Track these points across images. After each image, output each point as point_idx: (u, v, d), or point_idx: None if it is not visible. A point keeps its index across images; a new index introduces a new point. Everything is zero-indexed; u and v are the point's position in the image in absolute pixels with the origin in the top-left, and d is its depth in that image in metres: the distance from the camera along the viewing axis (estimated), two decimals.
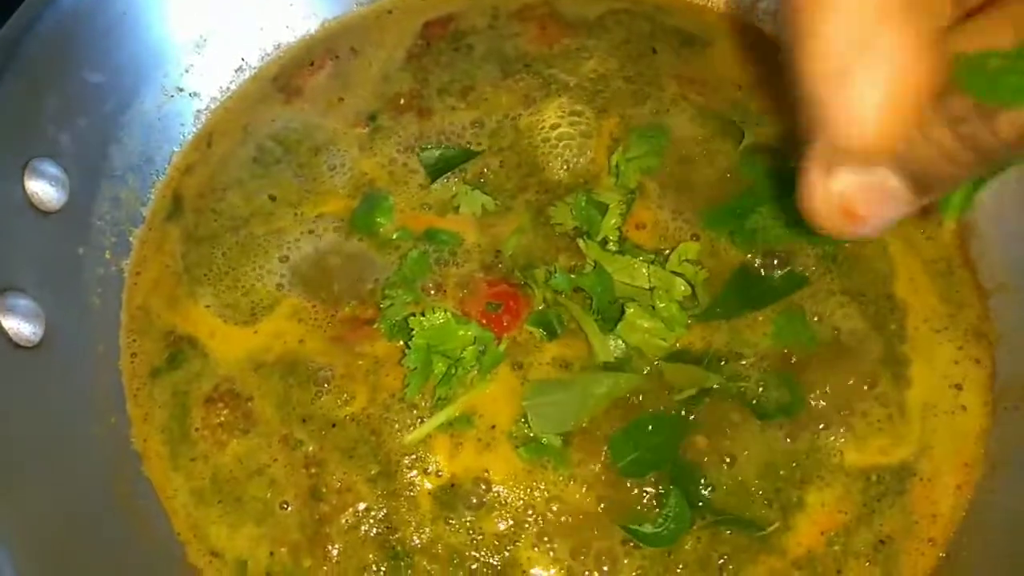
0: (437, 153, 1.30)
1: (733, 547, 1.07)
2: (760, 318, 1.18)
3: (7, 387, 1.02)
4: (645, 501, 1.08)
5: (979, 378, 1.18)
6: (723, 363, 1.15)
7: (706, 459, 1.10)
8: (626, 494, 1.08)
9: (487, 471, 1.10)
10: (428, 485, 1.10)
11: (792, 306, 1.19)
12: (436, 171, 1.29)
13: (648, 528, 1.06)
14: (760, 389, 1.13)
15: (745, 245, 1.22)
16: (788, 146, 1.30)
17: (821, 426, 1.12)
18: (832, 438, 1.12)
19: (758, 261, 1.21)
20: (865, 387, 1.14)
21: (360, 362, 1.16)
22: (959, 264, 1.25)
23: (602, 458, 1.09)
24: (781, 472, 1.10)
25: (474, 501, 1.09)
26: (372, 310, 1.18)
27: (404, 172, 1.30)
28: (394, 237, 1.24)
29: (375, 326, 1.17)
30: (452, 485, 1.10)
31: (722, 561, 1.06)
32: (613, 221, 1.19)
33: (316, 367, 1.16)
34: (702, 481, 1.09)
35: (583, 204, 1.21)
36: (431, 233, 1.24)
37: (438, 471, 1.10)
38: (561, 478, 1.09)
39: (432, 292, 1.19)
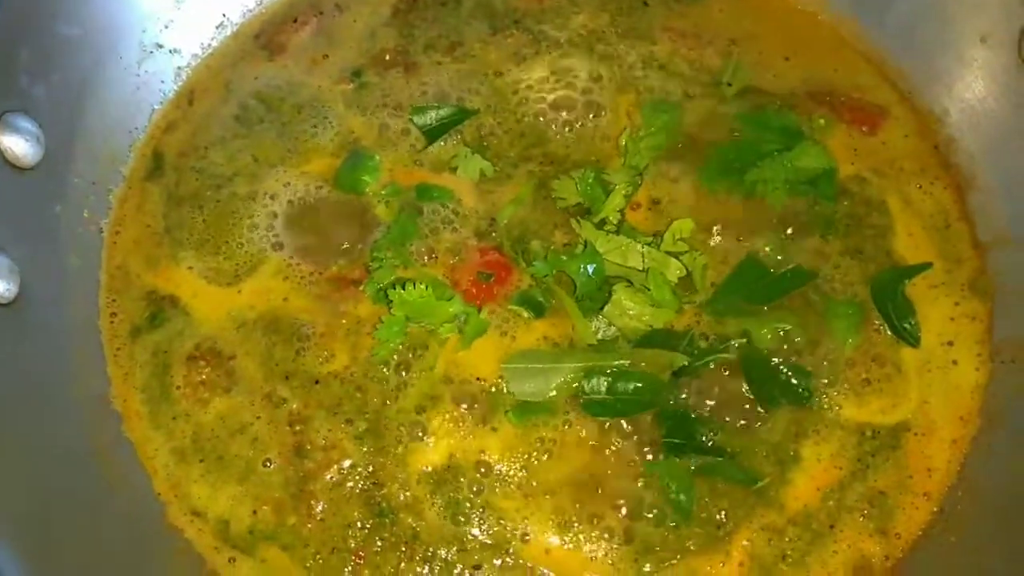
0: (432, 113, 1.27)
1: (731, 501, 1.06)
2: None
3: None
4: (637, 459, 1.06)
5: (974, 333, 1.16)
6: (708, 340, 1.12)
7: (702, 412, 1.09)
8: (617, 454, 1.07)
9: (477, 432, 1.09)
10: (416, 442, 1.08)
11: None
12: (432, 133, 1.26)
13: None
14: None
15: (745, 198, 1.19)
16: (787, 100, 1.27)
17: (824, 381, 1.11)
18: (832, 394, 1.11)
19: (765, 248, 1.17)
20: (863, 346, 1.13)
21: (343, 321, 1.14)
22: (956, 217, 1.24)
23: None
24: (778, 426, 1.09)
25: (464, 461, 1.07)
26: (359, 271, 1.16)
27: (393, 130, 1.27)
28: (383, 193, 1.21)
29: (361, 288, 1.14)
30: (442, 448, 1.08)
31: (721, 516, 1.05)
32: (616, 202, 1.16)
33: (298, 324, 1.14)
34: (700, 429, 1.08)
35: (590, 180, 1.17)
36: (423, 189, 1.21)
37: (426, 429, 1.09)
38: (551, 437, 1.08)
39: (425, 258, 1.16)
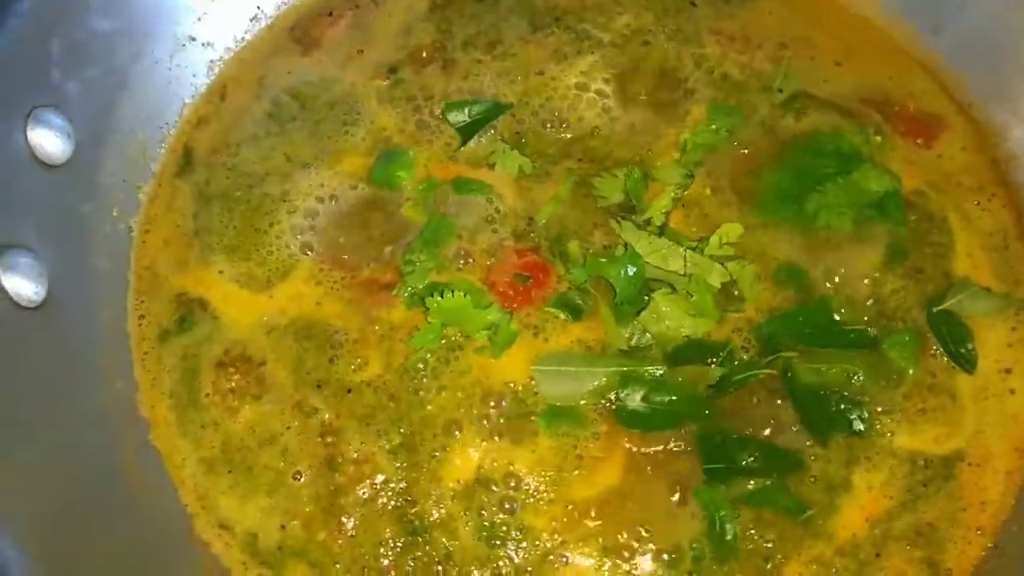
0: (465, 110, 1.23)
1: (778, 533, 1.02)
2: None
3: (7, 348, 0.97)
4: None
5: None
6: (749, 354, 1.08)
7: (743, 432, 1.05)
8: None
9: (507, 442, 1.06)
10: (448, 453, 1.05)
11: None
12: (467, 130, 1.22)
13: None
14: None
15: (802, 231, 1.14)
16: (847, 113, 1.22)
17: (879, 409, 1.06)
18: (886, 421, 1.07)
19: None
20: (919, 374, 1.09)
21: (376, 327, 1.11)
22: (1015, 237, 1.19)
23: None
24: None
25: (499, 477, 1.04)
26: (391, 274, 1.13)
27: (429, 128, 1.24)
28: (420, 188, 1.18)
29: (393, 292, 1.11)
30: (477, 462, 1.05)
31: (769, 547, 1.02)
32: (664, 203, 1.12)
33: (332, 330, 1.11)
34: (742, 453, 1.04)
35: (637, 177, 1.14)
36: (460, 182, 1.17)
37: (458, 439, 1.06)
38: (583, 452, 1.04)
39: (461, 262, 1.13)
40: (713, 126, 1.20)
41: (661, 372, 1.05)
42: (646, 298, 1.07)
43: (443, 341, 1.09)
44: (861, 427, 1.05)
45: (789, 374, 1.06)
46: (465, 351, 1.09)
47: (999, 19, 1.24)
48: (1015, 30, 1.23)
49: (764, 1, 1.35)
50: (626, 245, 1.09)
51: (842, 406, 1.06)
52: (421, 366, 1.08)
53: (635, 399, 1.04)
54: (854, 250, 1.14)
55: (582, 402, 1.06)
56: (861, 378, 1.07)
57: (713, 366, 1.05)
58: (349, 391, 1.08)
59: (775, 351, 1.07)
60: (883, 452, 1.06)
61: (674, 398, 1.04)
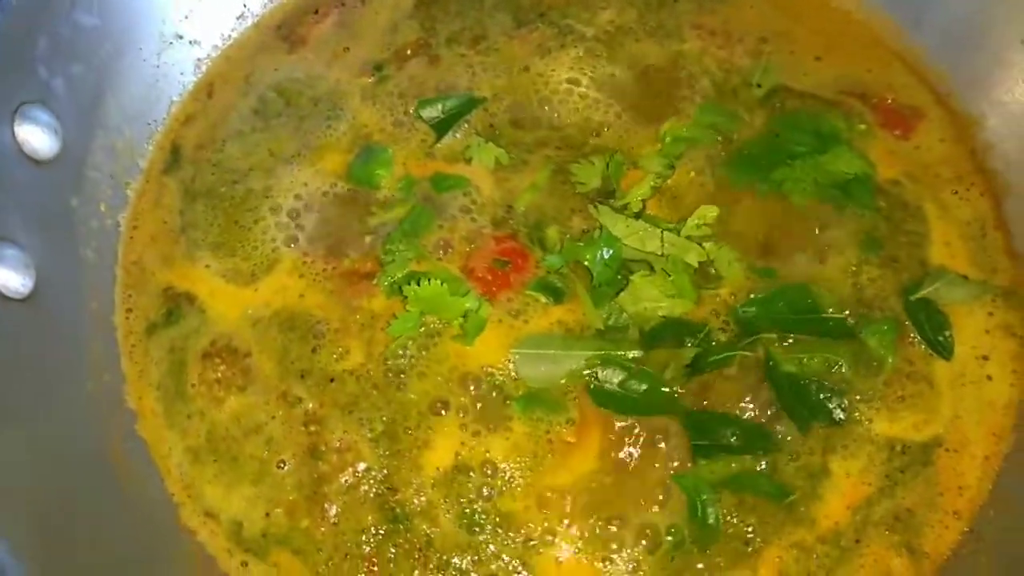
0: (439, 105, 1.24)
1: (759, 517, 1.03)
2: None
3: None
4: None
5: (1010, 348, 1.13)
6: (726, 334, 1.09)
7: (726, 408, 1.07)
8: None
9: (490, 432, 1.07)
10: (431, 444, 1.06)
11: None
12: (442, 126, 1.23)
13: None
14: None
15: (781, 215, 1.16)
16: (823, 99, 1.24)
17: (857, 397, 1.08)
18: (863, 409, 1.08)
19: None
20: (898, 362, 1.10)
21: (357, 316, 1.12)
22: (993, 226, 1.20)
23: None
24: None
25: (476, 464, 1.05)
26: (372, 263, 1.14)
27: (408, 125, 1.25)
28: (399, 187, 1.19)
29: (374, 282, 1.13)
30: (455, 449, 1.06)
31: (749, 531, 1.03)
32: (643, 190, 1.14)
33: (314, 320, 1.12)
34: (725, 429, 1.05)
35: (618, 161, 1.15)
36: (439, 179, 1.19)
37: (436, 426, 1.07)
38: (558, 438, 1.06)
39: (441, 252, 1.14)
40: (702, 123, 1.22)
41: (638, 355, 1.06)
42: (624, 279, 1.09)
43: (422, 329, 1.10)
44: (841, 416, 1.06)
45: (771, 363, 1.07)
46: (443, 338, 1.10)
47: (979, 9, 1.25)
48: (994, 19, 1.24)
49: None
50: (603, 228, 1.10)
51: (822, 395, 1.07)
52: (401, 353, 1.09)
53: (612, 382, 1.06)
54: (830, 237, 1.15)
55: (561, 381, 1.07)
56: (843, 368, 1.08)
57: (690, 347, 1.07)
58: (332, 380, 1.10)
59: (754, 334, 1.08)
60: (861, 439, 1.07)
61: (647, 385, 1.05)
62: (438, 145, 1.22)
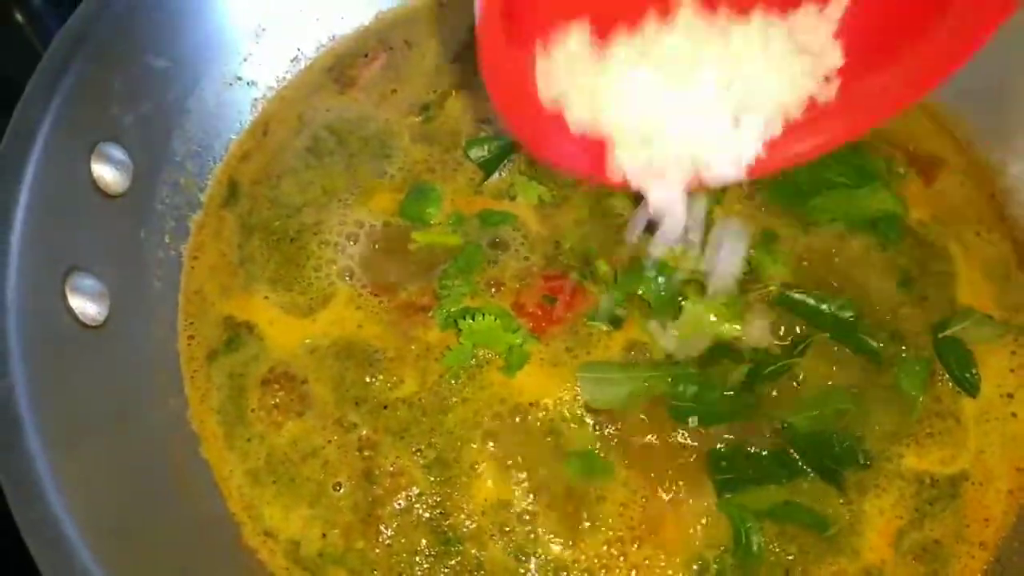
0: (485, 146, 1.31)
1: (800, 547, 1.08)
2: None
3: (74, 365, 1.03)
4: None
5: None
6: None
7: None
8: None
9: (534, 466, 1.11)
10: (480, 472, 1.11)
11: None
12: (488, 165, 1.30)
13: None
14: None
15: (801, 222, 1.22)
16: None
17: (892, 433, 1.13)
18: (894, 447, 1.13)
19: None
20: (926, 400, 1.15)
21: (412, 347, 1.17)
22: (1016, 267, 1.25)
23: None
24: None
25: (521, 495, 1.10)
26: (428, 297, 1.20)
27: (454, 163, 1.31)
28: (449, 223, 1.25)
29: (430, 314, 1.18)
30: (502, 478, 1.11)
31: (791, 559, 1.07)
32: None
33: (371, 350, 1.18)
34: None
35: None
36: (486, 215, 1.25)
37: (489, 459, 1.12)
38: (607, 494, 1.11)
39: (492, 290, 1.20)
40: None
41: (696, 373, 1.12)
42: (679, 304, 1.15)
43: (472, 360, 1.16)
44: (866, 460, 1.11)
45: (784, 426, 1.12)
46: (491, 369, 1.16)
47: (999, 61, 1.30)
48: (1014, 70, 1.29)
49: None
50: (651, 257, 1.17)
51: (845, 443, 1.11)
52: (453, 382, 1.15)
53: (686, 396, 1.11)
54: (873, 271, 1.21)
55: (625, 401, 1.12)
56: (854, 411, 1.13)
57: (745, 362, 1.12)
58: (385, 407, 1.15)
59: (799, 337, 1.14)
60: (891, 475, 1.11)
61: (719, 393, 1.11)
62: (486, 183, 1.29)
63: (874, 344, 1.15)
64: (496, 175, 1.29)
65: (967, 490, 1.12)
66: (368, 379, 1.16)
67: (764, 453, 1.10)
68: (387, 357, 1.17)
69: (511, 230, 1.25)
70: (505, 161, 1.30)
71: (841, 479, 1.09)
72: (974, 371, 1.16)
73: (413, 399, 1.15)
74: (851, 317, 1.15)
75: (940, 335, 1.18)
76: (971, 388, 1.15)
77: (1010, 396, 1.16)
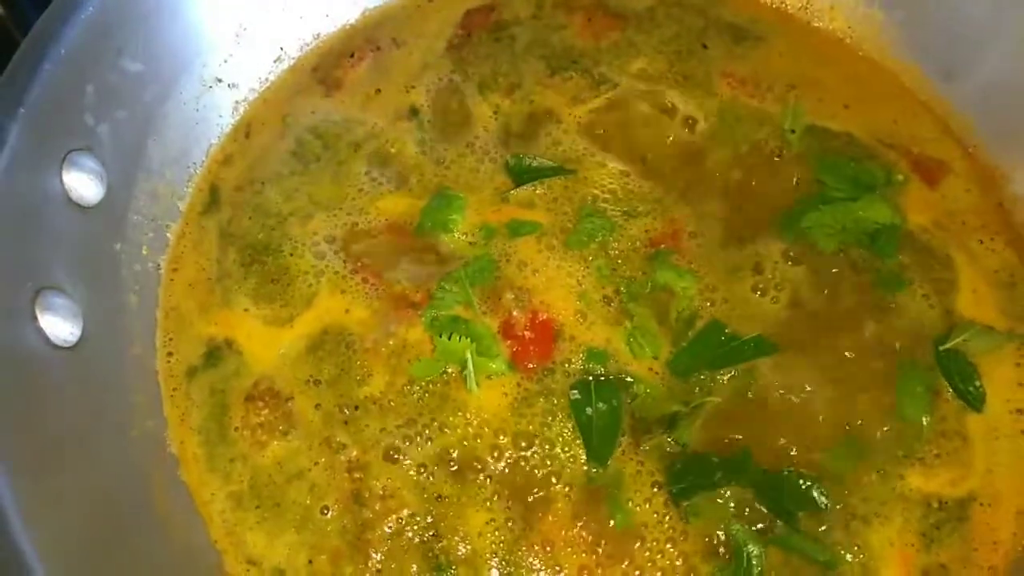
0: (527, 163, 1.26)
1: None
2: None
3: (45, 388, 0.98)
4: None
5: None
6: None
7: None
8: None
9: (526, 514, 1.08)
10: (472, 494, 1.07)
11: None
12: (520, 176, 1.25)
13: None
14: None
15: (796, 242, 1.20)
16: (863, 145, 1.27)
17: (901, 454, 1.09)
18: (895, 468, 1.09)
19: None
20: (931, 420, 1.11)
21: (390, 342, 1.14)
22: (1022, 275, 1.21)
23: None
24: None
25: (524, 510, 1.06)
26: (422, 295, 1.16)
27: (453, 165, 1.27)
28: (479, 232, 1.21)
29: (419, 313, 1.15)
30: (505, 491, 1.08)
31: None
32: None
33: (347, 334, 1.15)
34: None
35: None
36: (515, 225, 1.21)
37: (489, 474, 1.08)
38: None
39: (487, 305, 1.16)
40: None
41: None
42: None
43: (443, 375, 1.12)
44: (825, 501, 1.05)
45: (742, 459, 1.07)
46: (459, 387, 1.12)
47: (1011, 65, 1.27)
48: (1019, 70, 1.26)
49: (774, 43, 1.39)
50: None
51: (800, 483, 1.06)
52: (418, 395, 1.12)
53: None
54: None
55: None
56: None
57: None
58: (356, 408, 1.11)
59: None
60: (896, 499, 1.07)
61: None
62: (509, 194, 1.24)
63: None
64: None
65: (975, 512, 1.08)
66: (339, 371, 1.13)
67: (715, 460, 1.07)
68: (363, 348, 1.14)
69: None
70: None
71: (794, 519, 1.04)
72: (978, 384, 1.12)
73: (383, 400, 1.11)
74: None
75: (941, 348, 1.14)
76: (976, 402, 1.11)
77: (1019, 412, 1.13)
